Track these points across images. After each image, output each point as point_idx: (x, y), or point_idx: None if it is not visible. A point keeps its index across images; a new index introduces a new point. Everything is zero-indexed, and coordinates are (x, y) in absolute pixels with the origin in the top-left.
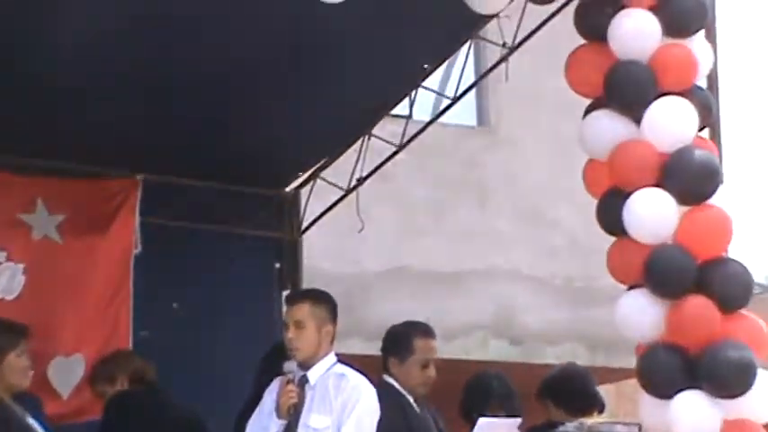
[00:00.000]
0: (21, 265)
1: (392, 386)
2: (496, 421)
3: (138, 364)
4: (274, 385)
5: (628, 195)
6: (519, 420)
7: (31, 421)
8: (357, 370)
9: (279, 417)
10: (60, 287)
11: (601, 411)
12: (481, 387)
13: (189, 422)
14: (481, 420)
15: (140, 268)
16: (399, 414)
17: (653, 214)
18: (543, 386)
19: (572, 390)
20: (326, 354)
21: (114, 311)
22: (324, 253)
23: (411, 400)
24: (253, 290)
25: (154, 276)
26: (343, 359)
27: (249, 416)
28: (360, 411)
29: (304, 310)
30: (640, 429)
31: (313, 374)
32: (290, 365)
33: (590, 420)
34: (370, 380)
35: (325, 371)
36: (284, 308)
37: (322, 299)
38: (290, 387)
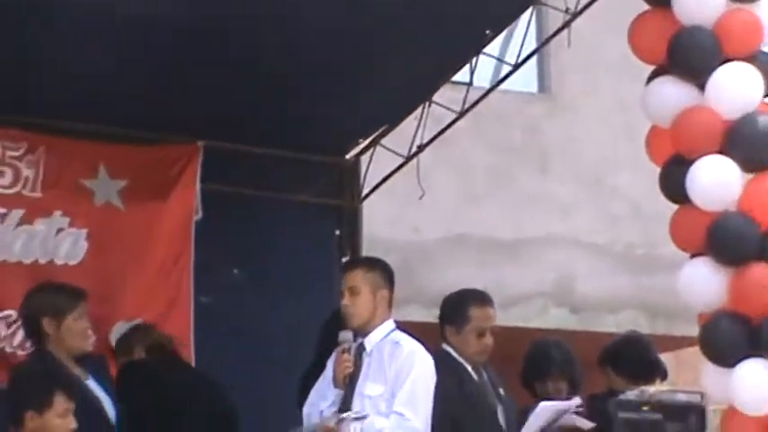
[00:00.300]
0: (83, 231)
1: (449, 354)
2: (556, 404)
3: (156, 336)
4: (335, 354)
5: (691, 162)
6: (578, 400)
7: (91, 384)
8: (415, 338)
9: (335, 386)
10: (122, 253)
11: (663, 379)
12: (541, 355)
13: (209, 390)
14: (542, 404)
15: (201, 235)
16: (455, 383)
17: (716, 181)
18: (604, 354)
19: (633, 357)
20: (384, 320)
21: (175, 277)
22: (384, 220)
23: (469, 369)
24: (312, 257)
25: (214, 243)
26: (402, 326)
27: (310, 383)
28: (414, 378)
29: (358, 277)
30: (702, 397)
31: (370, 341)
32: (345, 335)
33: (651, 388)
34: (426, 347)
35: (381, 338)
36: None
37: (376, 265)
38: (346, 357)
